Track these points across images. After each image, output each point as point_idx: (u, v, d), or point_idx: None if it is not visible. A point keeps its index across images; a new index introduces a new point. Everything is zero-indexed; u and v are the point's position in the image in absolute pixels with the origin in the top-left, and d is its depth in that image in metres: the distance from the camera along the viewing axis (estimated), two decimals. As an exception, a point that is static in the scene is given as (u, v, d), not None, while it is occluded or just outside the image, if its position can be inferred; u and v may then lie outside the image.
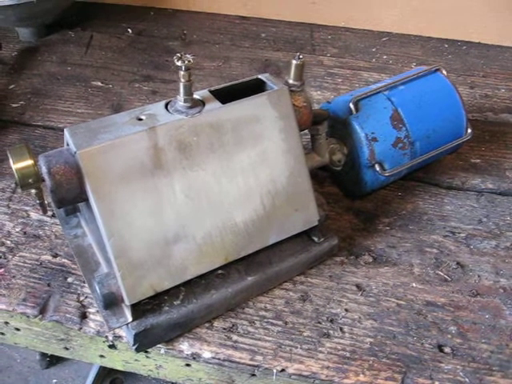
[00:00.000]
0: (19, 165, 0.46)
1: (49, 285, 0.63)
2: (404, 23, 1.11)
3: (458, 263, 0.67)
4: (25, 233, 0.69)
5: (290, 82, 0.59)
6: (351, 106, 0.66)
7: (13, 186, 0.75)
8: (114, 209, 0.50)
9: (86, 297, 0.62)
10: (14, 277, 0.64)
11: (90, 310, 0.61)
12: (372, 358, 0.57)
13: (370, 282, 0.64)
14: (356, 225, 0.71)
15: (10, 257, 0.66)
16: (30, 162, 0.46)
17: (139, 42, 1.08)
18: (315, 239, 0.64)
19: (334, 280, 0.64)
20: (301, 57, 0.57)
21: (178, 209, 0.53)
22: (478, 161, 0.82)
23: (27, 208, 0.72)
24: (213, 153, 0.54)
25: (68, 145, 0.52)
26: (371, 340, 0.59)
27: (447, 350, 0.58)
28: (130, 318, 0.54)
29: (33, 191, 0.49)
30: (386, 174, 0.67)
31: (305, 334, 0.59)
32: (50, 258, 0.66)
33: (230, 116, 0.54)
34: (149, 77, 0.98)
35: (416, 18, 1.09)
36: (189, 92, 0.53)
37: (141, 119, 0.53)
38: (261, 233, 0.58)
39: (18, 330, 0.63)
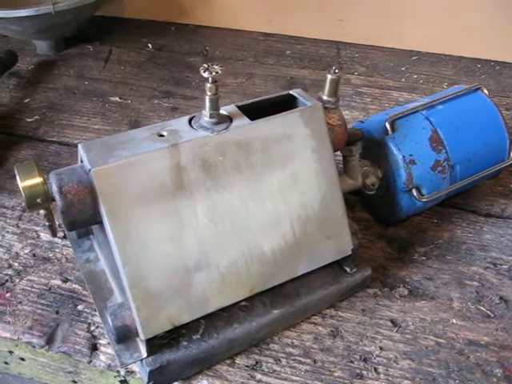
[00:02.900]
0: (27, 183, 0.41)
1: (57, 312, 0.58)
2: (434, 42, 1.06)
3: (500, 298, 0.61)
4: (34, 255, 0.65)
5: (324, 98, 0.55)
6: (387, 125, 0.61)
7: (23, 204, 0.71)
8: (131, 233, 0.46)
9: (98, 326, 0.57)
10: (20, 302, 0.59)
11: (100, 341, 0.56)
12: (411, 404, 0.51)
13: (405, 317, 0.59)
14: (389, 254, 0.66)
15: (17, 280, 0.61)
16: (38, 179, 0.41)
17: (159, 57, 1.05)
18: (347, 270, 0.58)
19: (367, 314, 0.59)
20: (336, 71, 0.53)
21: (201, 234, 0.48)
22: (518, 187, 0.76)
23: (37, 228, 0.68)
24: (240, 174, 0.49)
25: (82, 161, 0.48)
26: (409, 382, 0.53)
27: (494, 395, 0.52)
28: (144, 354, 0.49)
29: (41, 212, 0.45)
30: (424, 200, 0.62)
31: (336, 374, 0.53)
32: (59, 282, 0.62)
33: (259, 134, 0.50)
34: (169, 93, 0.94)
35: (447, 37, 1.05)
36: (215, 106, 0.48)
37: (162, 135, 0.48)
38: (289, 262, 0.53)
39: (22, 359, 0.59)
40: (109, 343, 0.55)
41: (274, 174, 0.51)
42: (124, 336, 0.48)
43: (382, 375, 0.53)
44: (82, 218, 0.46)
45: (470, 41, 1.04)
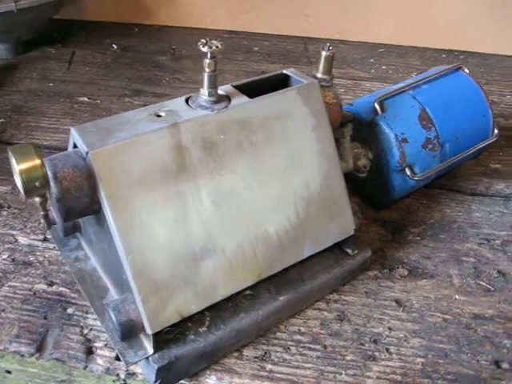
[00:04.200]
0: (24, 165, 0.37)
1: (45, 317, 0.54)
2: (400, 34, 1.08)
3: (498, 271, 0.61)
4: (13, 260, 0.60)
5: (319, 76, 0.54)
6: (376, 105, 0.61)
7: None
8: (134, 219, 0.43)
9: (91, 329, 0.53)
10: (3, 310, 0.55)
11: (96, 344, 0.52)
12: (426, 381, 0.50)
13: (409, 297, 0.58)
14: (384, 236, 0.65)
15: (-2, 287, 0.57)
16: (37, 161, 0.38)
17: (125, 57, 1.01)
18: (349, 251, 0.57)
19: (371, 296, 0.58)
20: (331, 48, 0.52)
21: (206, 218, 0.46)
22: (498, 166, 0.77)
23: (14, 232, 0.64)
24: (241, 153, 0.47)
25: (75, 146, 0.45)
26: (422, 360, 0.52)
27: (505, 365, 0.52)
28: (150, 351, 0.46)
29: (37, 199, 0.41)
30: (417, 178, 0.62)
31: (348, 357, 0.52)
32: (44, 286, 0.57)
33: (259, 112, 0.48)
34: (139, 91, 0.91)
35: (412, 30, 1.07)
36: (214, 84, 0.46)
37: (160, 116, 0.46)
38: (295, 245, 0.51)
39: (8, 372, 0.54)
40: (106, 345, 0.52)
41: (276, 153, 0.49)
42: (129, 332, 0.45)
43: (394, 355, 0.52)
44: (79, 205, 0.43)
45: (433, 32, 1.07)
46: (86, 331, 0.53)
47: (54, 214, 0.46)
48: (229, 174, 0.47)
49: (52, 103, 0.86)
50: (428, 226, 0.67)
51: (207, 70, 0.45)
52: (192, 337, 0.48)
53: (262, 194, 0.49)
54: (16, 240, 0.63)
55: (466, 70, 0.68)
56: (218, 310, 0.50)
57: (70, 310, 0.55)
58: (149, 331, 0.44)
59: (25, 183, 0.38)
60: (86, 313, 0.55)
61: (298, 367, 0.51)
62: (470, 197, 0.72)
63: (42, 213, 0.43)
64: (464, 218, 0.68)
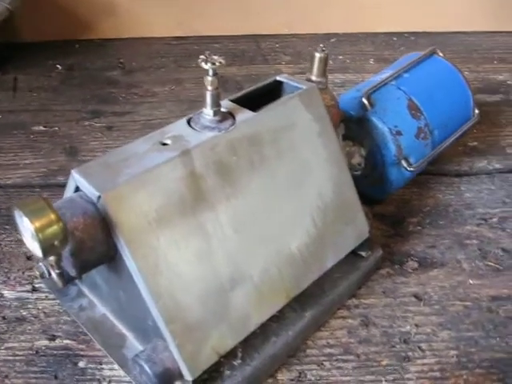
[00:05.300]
0: (39, 222, 0.33)
1: (56, 377, 0.49)
2: (347, 22, 1.08)
3: (503, 250, 0.62)
4: (4, 317, 0.55)
5: (313, 78, 0.51)
6: (364, 101, 0.59)
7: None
8: (158, 262, 0.39)
9: (110, 381, 0.49)
10: (6, 376, 0.49)
11: (119, 396, 0.48)
12: (465, 372, 0.50)
13: (426, 289, 0.58)
14: (386, 231, 0.65)
15: (-5, 352, 0.51)
16: (52, 216, 0.33)
17: (72, 77, 0.95)
18: (362, 254, 0.56)
19: (390, 295, 0.57)
20: (324, 48, 0.50)
21: (229, 247, 0.43)
22: (476, 143, 0.79)
23: (-2, 286, 0.58)
24: (254, 172, 0.45)
25: (78, 190, 0.40)
26: (455, 352, 0.51)
27: (534, 343, 0.52)
28: (190, 396, 0.43)
29: (51, 258, 0.37)
30: (412, 169, 0.61)
31: (383, 362, 0.51)
32: (46, 342, 0.52)
33: (267, 125, 0.46)
34: (97, 112, 0.86)
35: (360, 16, 1.07)
36: (217, 102, 0.43)
37: (165, 144, 0.42)
38: (317, 257, 0.49)
39: None
40: (131, 396, 0.48)
41: (287, 166, 0.47)
42: (167, 382, 0.41)
43: (427, 352, 0.51)
44: (95, 256, 0.39)
45: (382, 17, 1.07)
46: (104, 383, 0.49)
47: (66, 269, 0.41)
48: (245, 197, 0.44)
49: (5, 137, 0.80)
50: (425, 214, 0.67)
51: (210, 88, 0.42)
52: (228, 372, 0.45)
53: (278, 211, 0.46)
54: (1, 295, 0.57)
55: (441, 54, 0.68)
56: (248, 339, 0.47)
57: (81, 364, 0.50)
58: (188, 378, 0.41)
59: (43, 243, 0.33)
60: (100, 363, 0.50)
61: (336, 382, 0.49)
62: (456, 178, 0.72)
63: (57, 271, 0.38)
64: (457, 200, 0.69)
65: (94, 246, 0.38)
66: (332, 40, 1.07)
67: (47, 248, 0.33)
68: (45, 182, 0.72)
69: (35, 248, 0.34)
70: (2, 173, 0.73)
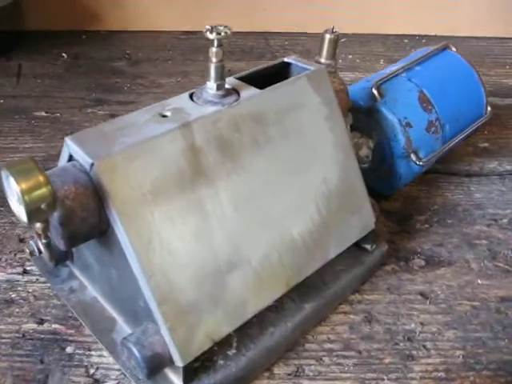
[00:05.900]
0: (26, 184, 0.31)
1: (42, 361, 0.47)
2: (359, 23, 1.06)
3: (513, 251, 0.60)
4: (-8, 299, 0.53)
5: (323, 61, 0.50)
6: (374, 91, 0.58)
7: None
8: (151, 237, 0.37)
9: (98, 368, 0.47)
10: (-10, 359, 0.47)
11: (106, 383, 0.46)
12: (471, 373, 0.47)
13: (432, 288, 0.55)
14: (392, 228, 0.62)
15: (-20, 334, 0.49)
16: (41, 177, 0.31)
17: (78, 66, 0.94)
18: (367, 247, 0.53)
19: (394, 292, 0.54)
20: (335, 30, 0.48)
21: (228, 226, 0.41)
22: (487, 144, 0.77)
23: (-13, 267, 0.56)
24: (258, 151, 0.43)
25: (71, 159, 0.38)
26: (462, 352, 0.49)
27: (543, 347, 0.50)
28: (180, 384, 0.40)
29: (38, 225, 0.34)
30: (422, 163, 0.59)
31: (386, 360, 0.48)
32: (34, 325, 0.50)
33: (273, 103, 0.44)
34: (101, 100, 0.84)
35: (371, 17, 1.05)
36: (222, 76, 0.41)
37: (165, 116, 0.40)
38: (320, 246, 0.47)
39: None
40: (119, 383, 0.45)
41: (292, 148, 0.45)
42: (156, 367, 0.39)
43: (432, 351, 0.49)
44: (85, 228, 0.37)
45: (393, 18, 1.06)
46: (92, 371, 0.46)
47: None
48: (247, 175, 0.42)
49: (6, 121, 0.78)
50: (433, 213, 0.64)
51: (214, 59, 0.40)
52: (221, 362, 0.43)
53: (282, 194, 0.44)
54: (-10, 276, 0.55)
55: (454, 49, 0.66)
56: (244, 328, 0.45)
57: (69, 349, 0.48)
58: (179, 363, 0.39)
59: (28, 205, 0.31)
60: (89, 349, 0.48)
61: (336, 379, 0.47)
62: (466, 178, 0.70)
63: (43, 241, 0.36)
64: (466, 200, 0.66)
65: (84, 217, 0.36)
66: (342, 40, 1.05)
67: (33, 212, 0.31)
68: (43, 167, 0.69)
69: (21, 212, 0.32)
70: (0, 156, 0.71)
